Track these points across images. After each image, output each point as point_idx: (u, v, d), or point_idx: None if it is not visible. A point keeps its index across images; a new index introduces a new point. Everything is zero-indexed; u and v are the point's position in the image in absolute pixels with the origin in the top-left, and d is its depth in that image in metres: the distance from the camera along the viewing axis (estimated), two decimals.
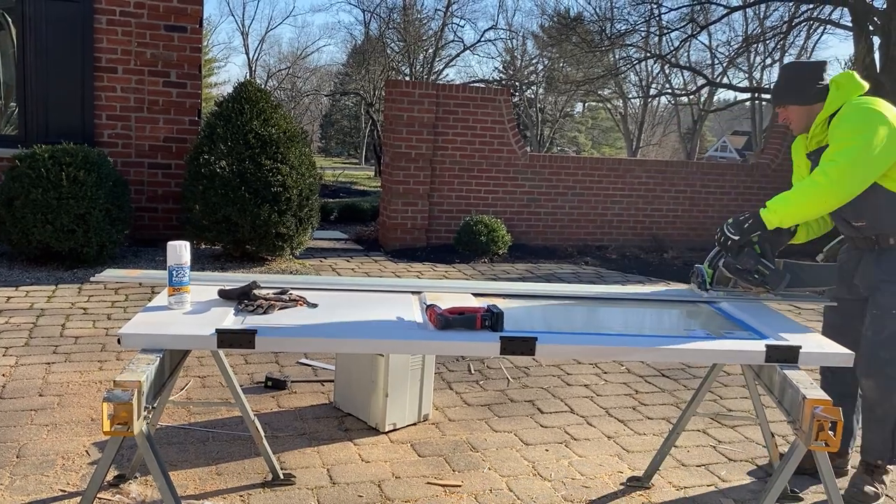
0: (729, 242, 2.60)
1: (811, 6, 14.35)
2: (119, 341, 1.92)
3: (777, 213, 2.59)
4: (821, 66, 2.79)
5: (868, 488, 2.81)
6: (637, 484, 2.91)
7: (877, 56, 11.02)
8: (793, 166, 3.03)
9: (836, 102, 2.69)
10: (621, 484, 2.92)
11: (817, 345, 2.18)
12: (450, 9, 32.25)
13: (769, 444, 2.87)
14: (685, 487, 2.93)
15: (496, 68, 41.23)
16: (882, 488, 2.84)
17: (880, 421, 2.77)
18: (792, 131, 2.88)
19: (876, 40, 11.32)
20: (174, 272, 2.16)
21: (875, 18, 11.40)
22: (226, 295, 2.29)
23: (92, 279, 2.51)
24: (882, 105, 2.64)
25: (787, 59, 26.40)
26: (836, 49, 58.92)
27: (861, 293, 2.85)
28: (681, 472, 3.06)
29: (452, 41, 33.82)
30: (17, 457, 2.82)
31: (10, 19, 6.76)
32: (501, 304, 2.35)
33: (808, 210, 2.62)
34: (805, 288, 2.78)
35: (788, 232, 2.73)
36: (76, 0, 6.70)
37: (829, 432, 1.86)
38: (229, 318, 2.10)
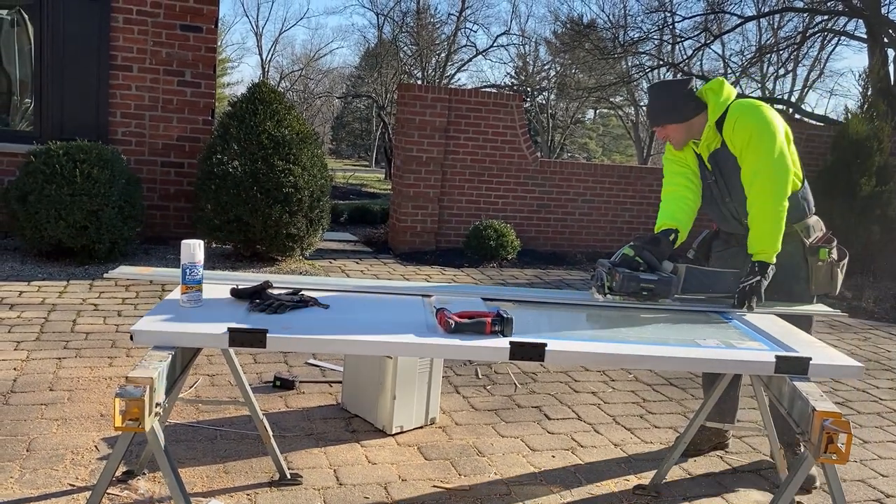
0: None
1: (826, 17, 14.31)
2: (132, 337, 1.93)
3: (770, 246, 2.79)
4: (688, 81, 2.92)
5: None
6: (643, 493, 2.91)
7: (891, 69, 10.99)
8: (665, 173, 3.15)
9: (719, 108, 2.86)
10: (627, 492, 2.92)
11: (827, 357, 2.18)
12: (463, 13, 32.32)
13: (776, 455, 2.87)
14: (691, 497, 2.92)
15: (508, 73, 41.27)
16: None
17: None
18: (673, 147, 3.02)
19: (891, 53, 11.28)
20: (187, 270, 2.18)
21: (890, 31, 11.36)
22: (238, 294, 2.30)
23: (105, 275, 2.53)
24: (763, 105, 2.84)
25: (800, 70, 26.34)
26: (849, 61, 58.70)
27: None
28: (687, 481, 3.06)
29: (465, 46, 33.84)
30: (28, 450, 2.84)
31: (26, 16, 6.82)
32: (511, 309, 2.36)
33: (781, 224, 2.80)
34: (710, 294, 2.76)
35: (668, 241, 2.87)
36: None
37: (839, 445, 1.86)
38: (241, 317, 2.12)
